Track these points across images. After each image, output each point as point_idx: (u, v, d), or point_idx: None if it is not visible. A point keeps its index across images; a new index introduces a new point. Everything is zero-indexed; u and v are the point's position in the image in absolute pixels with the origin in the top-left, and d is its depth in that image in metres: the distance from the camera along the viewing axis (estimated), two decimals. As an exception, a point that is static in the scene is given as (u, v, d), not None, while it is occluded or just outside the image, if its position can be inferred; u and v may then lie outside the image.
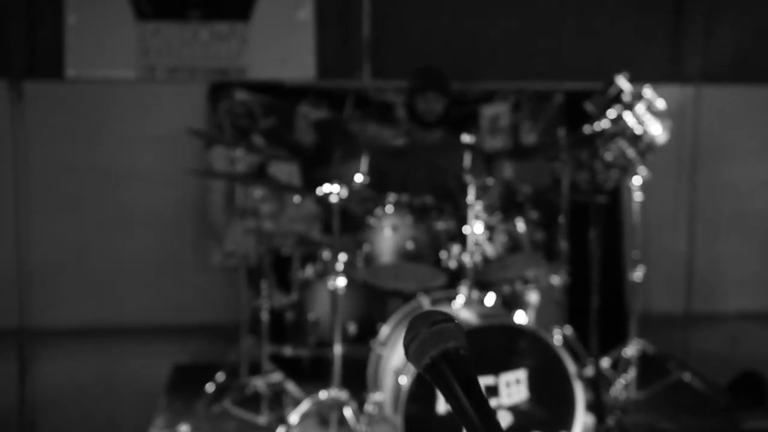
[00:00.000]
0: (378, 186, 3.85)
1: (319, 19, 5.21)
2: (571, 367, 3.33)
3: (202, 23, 5.09)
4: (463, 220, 3.62)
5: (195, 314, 5.23)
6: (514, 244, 3.77)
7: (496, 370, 3.31)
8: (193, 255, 5.23)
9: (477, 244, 3.63)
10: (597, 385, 3.68)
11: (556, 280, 4.07)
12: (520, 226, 3.80)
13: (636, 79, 5.21)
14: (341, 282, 3.48)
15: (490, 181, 3.67)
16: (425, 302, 3.60)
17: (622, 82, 4.16)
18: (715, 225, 5.58)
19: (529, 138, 5.28)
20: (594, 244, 3.77)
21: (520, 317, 3.49)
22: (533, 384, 3.33)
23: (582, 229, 4.27)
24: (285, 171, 5.13)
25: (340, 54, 5.28)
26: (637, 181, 4.27)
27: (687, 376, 4.33)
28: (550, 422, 3.33)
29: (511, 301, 4.01)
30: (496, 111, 5.26)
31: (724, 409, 4.19)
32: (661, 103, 4.14)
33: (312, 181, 4.88)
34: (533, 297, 4.14)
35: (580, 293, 4.53)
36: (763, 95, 5.61)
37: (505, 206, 3.76)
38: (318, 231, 4.99)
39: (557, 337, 3.88)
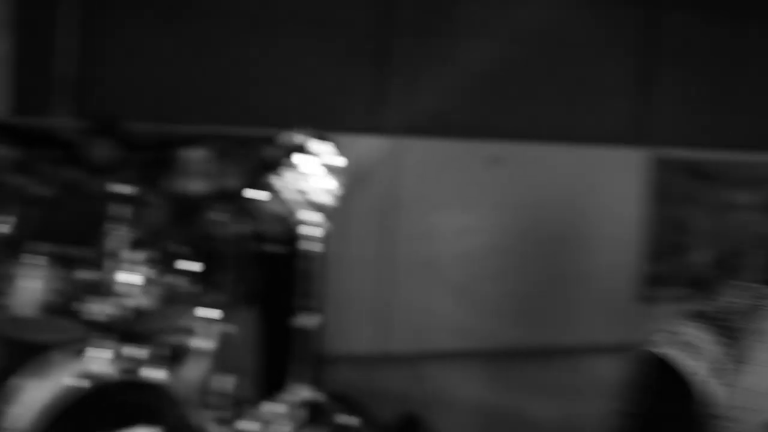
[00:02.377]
0: (20, 235, 3.79)
1: (17, 54, 5.09)
2: (203, 423, 3.41)
3: None
4: (111, 270, 3.62)
5: None
6: (170, 295, 3.81)
7: (129, 425, 3.33)
8: None
9: (127, 295, 3.64)
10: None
11: (223, 328, 4.14)
12: (176, 276, 3.85)
13: (338, 130, 5.44)
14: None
15: (137, 232, 3.69)
16: (60, 356, 3.56)
17: (296, 137, 4.32)
18: (412, 270, 5.88)
19: (231, 183, 5.36)
20: (251, 291, 3.88)
21: (159, 373, 3.52)
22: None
23: (262, 276, 4.40)
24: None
25: (37, 92, 5.17)
26: (312, 231, 4.43)
27: (352, 420, 4.51)
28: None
29: (176, 353, 4.03)
30: (196, 156, 5.30)
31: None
32: (335, 159, 4.32)
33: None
34: (201, 345, 4.18)
35: (263, 339, 4.68)
36: (458, 149, 5.98)
37: (162, 256, 3.80)
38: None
39: (228, 384, 3.96)
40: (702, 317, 1.15)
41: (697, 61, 6.56)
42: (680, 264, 6.57)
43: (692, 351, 1.12)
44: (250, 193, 4.21)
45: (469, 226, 5.99)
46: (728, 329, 1.12)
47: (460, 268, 5.95)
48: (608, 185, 6.30)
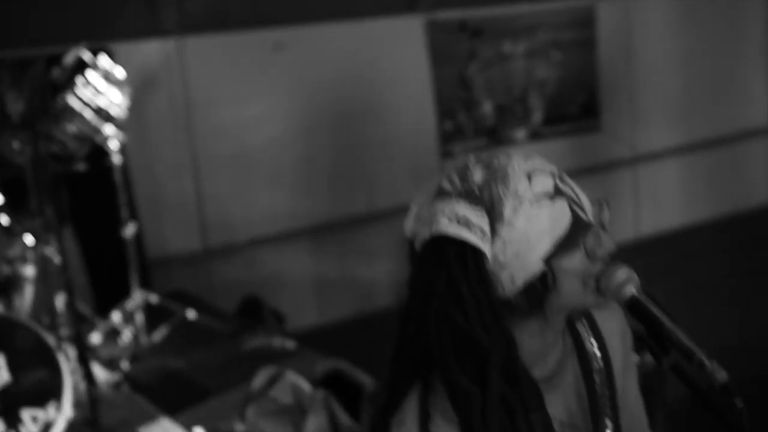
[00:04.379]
0: None
1: None
2: (49, 338, 3.46)
3: None
4: None
5: None
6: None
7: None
8: None
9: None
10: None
11: (49, 252, 4.12)
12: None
13: (115, 38, 5.35)
14: None
15: None
16: None
17: (80, 52, 4.27)
18: (216, 165, 5.95)
19: (17, 108, 5.19)
20: (62, 212, 3.90)
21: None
22: (14, 364, 3.41)
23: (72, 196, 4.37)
24: None
25: None
26: (114, 145, 4.44)
27: (191, 314, 4.66)
28: (39, 396, 3.44)
29: (8, 283, 3.99)
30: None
31: (229, 336, 4.59)
32: (119, 72, 4.30)
33: None
34: (29, 272, 4.15)
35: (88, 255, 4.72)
36: (241, 41, 6.01)
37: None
38: None
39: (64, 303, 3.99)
40: (455, 194, 1.32)
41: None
42: (470, 117, 7.01)
43: (464, 223, 1.29)
44: (42, 115, 4.15)
45: (267, 114, 6.09)
46: (479, 198, 1.31)
47: (268, 155, 6.07)
48: (391, 54, 6.55)
